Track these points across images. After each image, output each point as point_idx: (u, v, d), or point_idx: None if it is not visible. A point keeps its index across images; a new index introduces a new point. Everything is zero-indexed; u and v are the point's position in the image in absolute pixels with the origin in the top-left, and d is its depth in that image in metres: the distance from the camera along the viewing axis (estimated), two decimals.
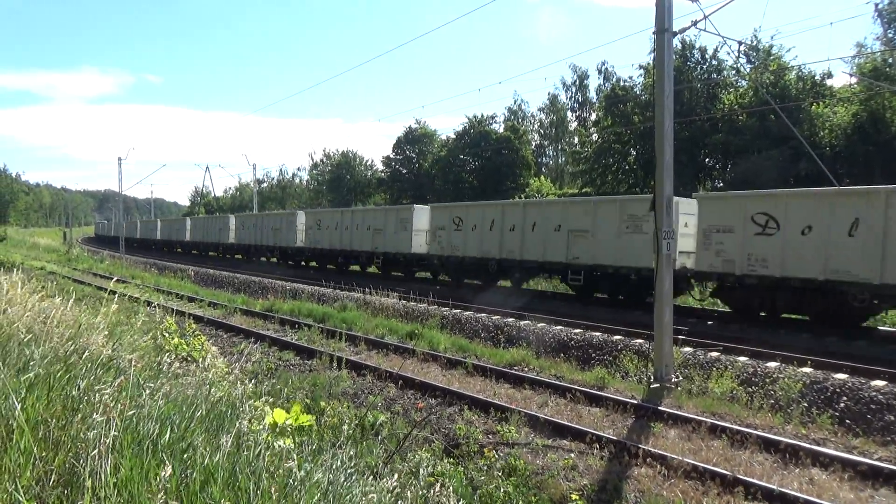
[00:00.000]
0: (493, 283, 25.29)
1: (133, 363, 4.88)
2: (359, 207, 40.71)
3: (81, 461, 2.80)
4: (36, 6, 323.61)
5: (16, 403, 3.17)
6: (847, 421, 9.45)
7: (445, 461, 7.35)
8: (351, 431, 7.64)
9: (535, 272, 24.05)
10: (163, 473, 2.69)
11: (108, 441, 2.81)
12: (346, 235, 33.41)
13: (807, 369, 11.28)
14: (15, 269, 8.83)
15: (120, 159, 48.92)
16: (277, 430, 3.67)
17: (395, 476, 4.47)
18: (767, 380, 10.96)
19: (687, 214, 18.30)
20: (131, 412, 3.32)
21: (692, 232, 18.33)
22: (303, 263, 38.57)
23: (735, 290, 17.29)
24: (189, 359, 8.22)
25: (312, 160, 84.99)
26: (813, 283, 15.51)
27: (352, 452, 4.65)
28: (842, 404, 9.97)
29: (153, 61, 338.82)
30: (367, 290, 21.65)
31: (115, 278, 11.91)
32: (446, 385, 10.93)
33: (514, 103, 70.03)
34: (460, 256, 25.78)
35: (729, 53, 37.70)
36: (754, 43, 34.36)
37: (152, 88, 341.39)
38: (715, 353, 12.46)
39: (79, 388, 3.56)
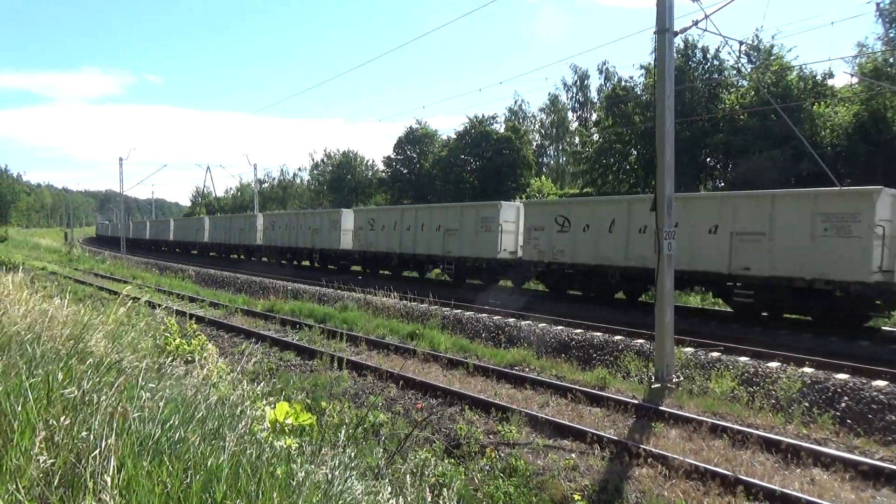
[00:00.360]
0: (611, 297, 21.43)
1: (134, 364, 4.89)
2: (426, 205, 36.26)
3: (83, 462, 2.81)
4: (37, 7, 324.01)
5: (17, 404, 3.18)
6: (848, 421, 9.45)
7: (446, 461, 7.35)
8: (352, 431, 7.65)
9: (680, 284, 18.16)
10: (164, 474, 2.70)
11: (109, 442, 2.82)
12: (407, 237, 29.16)
13: (808, 369, 11.28)
14: (17, 270, 8.85)
15: (121, 160, 49.07)
16: (278, 429, 3.68)
17: (396, 476, 4.48)
18: (768, 380, 10.96)
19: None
20: (134, 413, 3.32)
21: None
22: (352, 268, 34.93)
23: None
24: (190, 359, 8.22)
25: (313, 160, 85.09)
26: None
27: (353, 452, 4.65)
28: (843, 404, 9.97)
29: (154, 61, 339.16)
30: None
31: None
32: (447, 385, 10.93)
33: (515, 103, 70.16)
34: (567, 263, 21.65)
35: (730, 53, 37.68)
36: (755, 43, 34.36)
37: (153, 89, 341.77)
38: (716, 354, 12.46)
39: (80, 389, 3.57)
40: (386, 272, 31.74)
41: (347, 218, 34.22)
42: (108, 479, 2.65)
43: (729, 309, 18.75)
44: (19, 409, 3.13)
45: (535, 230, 22.88)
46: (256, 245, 43.66)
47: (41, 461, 2.81)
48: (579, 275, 21.54)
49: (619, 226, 19.97)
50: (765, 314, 17.20)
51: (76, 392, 3.51)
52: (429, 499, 4.19)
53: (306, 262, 38.50)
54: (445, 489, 5.82)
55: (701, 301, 21.45)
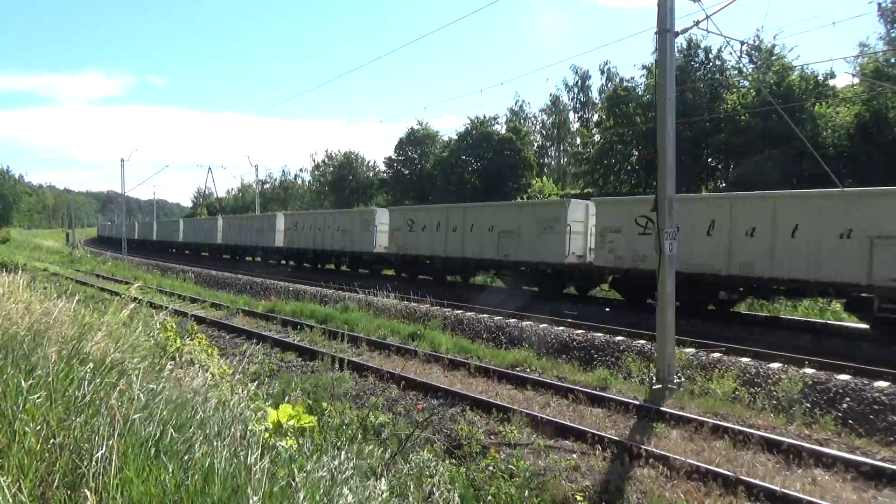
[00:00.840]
0: (706, 308, 18.23)
1: (135, 365, 4.90)
2: (476, 203, 31.72)
3: (85, 462, 2.81)
4: (40, 8, 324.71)
5: (19, 405, 3.19)
6: (850, 422, 9.44)
7: (448, 461, 7.35)
8: (353, 432, 7.66)
9: (795, 293, 16.62)
10: (164, 475, 2.71)
11: (110, 443, 2.83)
12: (454, 239, 26.07)
13: (809, 370, 11.27)
14: (19, 271, 8.87)
15: (123, 161, 48.94)
16: (280, 430, 3.69)
17: (398, 477, 4.49)
18: (770, 380, 10.96)
19: None
20: (134, 414, 3.33)
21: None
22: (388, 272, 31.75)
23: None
24: (191, 360, 8.23)
25: (314, 161, 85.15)
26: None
27: (353, 453, 4.66)
28: (844, 405, 9.96)
29: (156, 63, 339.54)
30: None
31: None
32: (448, 386, 10.94)
33: (516, 104, 70.20)
34: (648, 269, 16.95)
35: (731, 54, 37.67)
36: (757, 43, 34.36)
37: (155, 90, 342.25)
38: (717, 354, 12.46)
39: (81, 390, 3.58)
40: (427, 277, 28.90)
41: (383, 217, 31.23)
42: (109, 480, 2.66)
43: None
44: (21, 409, 3.14)
45: (611, 232, 19.95)
46: (276, 247, 40.20)
47: (43, 462, 2.83)
48: (684, 282, 16.13)
49: (721, 227, 16.87)
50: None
51: (78, 393, 3.52)
52: (430, 499, 4.20)
53: (331, 266, 35.66)
54: (447, 490, 5.83)
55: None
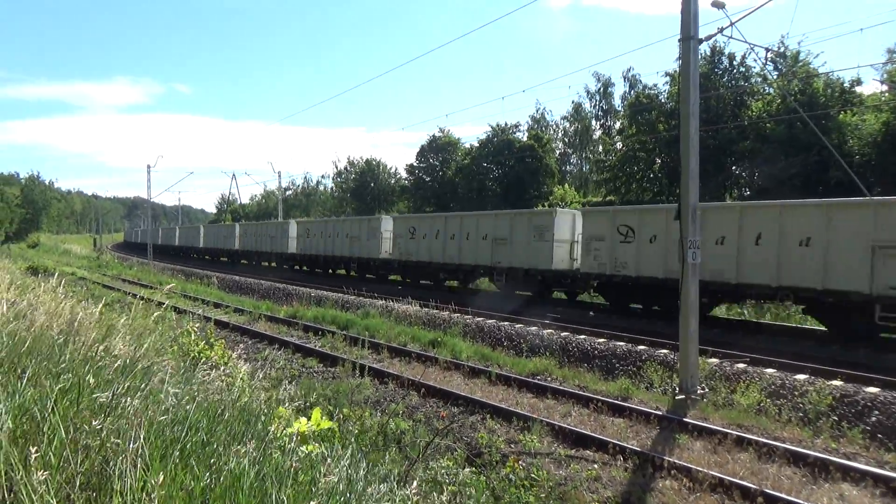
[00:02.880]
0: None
1: (160, 368, 4.96)
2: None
3: (111, 465, 2.85)
4: (70, 19, 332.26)
5: (47, 407, 3.25)
6: (879, 435, 9.23)
7: (467, 470, 7.32)
8: (373, 439, 7.67)
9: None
10: (188, 478, 2.74)
11: (136, 445, 2.86)
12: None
13: (836, 382, 11.06)
14: (49, 275, 9.04)
15: (149, 167, 49.60)
16: (300, 436, 3.71)
17: (419, 483, 4.48)
18: (796, 392, 10.76)
19: None
20: (160, 416, 3.37)
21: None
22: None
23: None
24: (215, 364, 8.32)
25: (336, 168, 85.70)
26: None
27: (374, 459, 4.67)
28: (873, 418, 9.75)
29: (182, 72, 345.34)
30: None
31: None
32: (469, 394, 10.92)
33: (537, 111, 70.03)
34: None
35: (755, 60, 37.15)
36: (782, 49, 33.91)
37: (181, 98, 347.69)
38: (742, 365, 12.27)
39: (108, 392, 3.63)
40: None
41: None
42: (134, 482, 2.70)
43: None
44: (49, 412, 3.20)
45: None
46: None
47: (69, 463, 2.87)
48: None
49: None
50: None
51: (104, 395, 3.57)
52: None
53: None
54: (467, 498, 5.81)
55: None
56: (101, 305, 7.06)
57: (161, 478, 2.69)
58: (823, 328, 16.87)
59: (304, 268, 40.89)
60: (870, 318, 14.55)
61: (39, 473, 2.62)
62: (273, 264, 44.99)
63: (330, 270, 38.23)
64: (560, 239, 22.90)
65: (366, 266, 34.16)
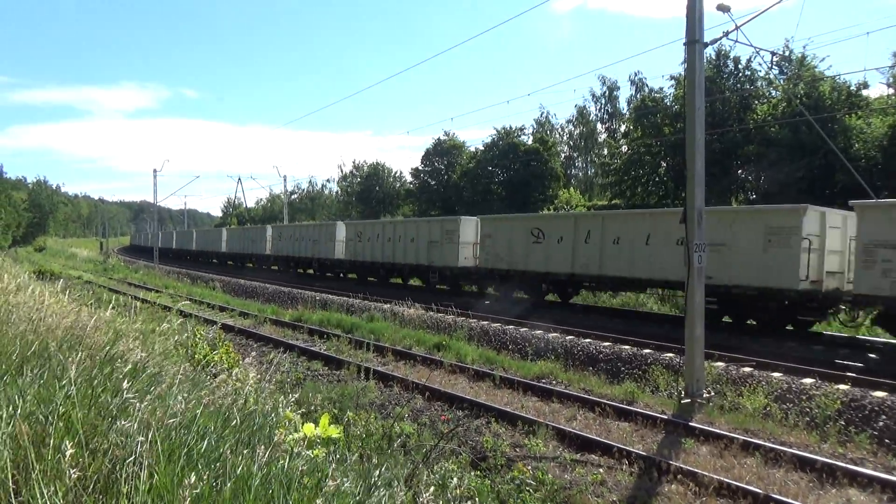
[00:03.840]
0: None
1: (167, 371, 4.98)
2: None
3: (118, 468, 2.87)
4: (78, 24, 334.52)
5: (55, 411, 3.27)
6: (886, 440, 9.18)
7: (472, 473, 7.32)
8: (378, 442, 7.67)
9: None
10: (195, 482, 2.74)
11: (144, 449, 2.88)
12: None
13: (843, 386, 11.00)
14: (56, 279, 9.09)
15: (155, 171, 49.99)
16: (307, 441, 3.72)
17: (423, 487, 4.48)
18: (803, 396, 10.72)
19: None
20: (168, 420, 3.39)
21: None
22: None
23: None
24: (221, 368, 8.34)
25: (342, 171, 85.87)
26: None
27: (379, 463, 4.66)
28: (881, 423, 9.70)
29: (189, 76, 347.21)
30: None
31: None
32: (473, 397, 10.91)
33: (542, 115, 70.03)
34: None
35: (761, 64, 37.05)
36: (787, 53, 33.83)
37: (188, 102, 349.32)
38: (748, 369, 12.23)
39: (115, 397, 3.65)
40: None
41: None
42: (142, 486, 2.71)
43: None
44: (57, 416, 3.21)
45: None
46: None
47: (77, 467, 2.88)
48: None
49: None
50: None
51: (111, 399, 3.59)
52: None
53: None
54: (471, 501, 5.80)
55: None
56: (109, 309, 7.09)
57: (168, 481, 2.70)
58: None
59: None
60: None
61: (47, 477, 2.64)
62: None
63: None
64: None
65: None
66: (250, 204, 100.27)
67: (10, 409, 3.17)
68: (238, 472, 3.01)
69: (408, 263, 30.89)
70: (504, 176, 55.59)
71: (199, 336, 9.48)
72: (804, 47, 33.75)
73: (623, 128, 56.24)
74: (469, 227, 27.72)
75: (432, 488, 5.18)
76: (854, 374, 11.76)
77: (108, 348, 5.11)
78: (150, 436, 3.00)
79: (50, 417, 3.21)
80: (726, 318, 17.99)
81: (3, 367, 3.84)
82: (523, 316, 18.88)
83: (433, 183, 63.40)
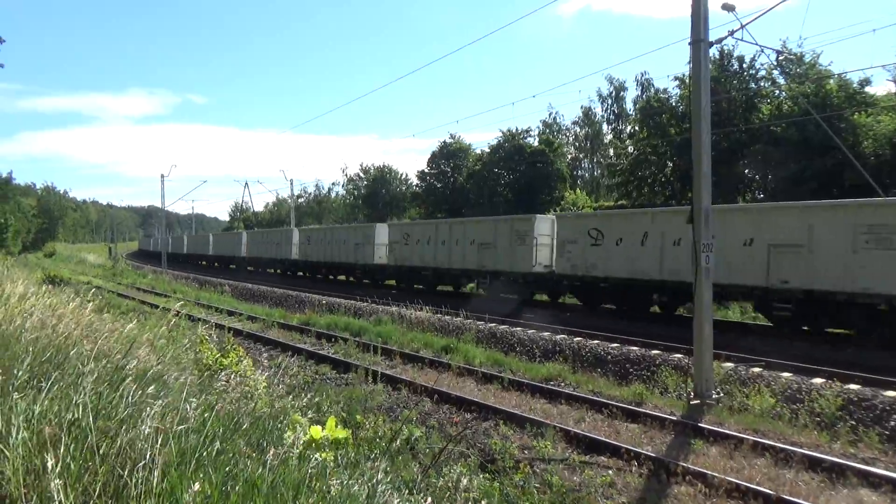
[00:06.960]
0: None
1: (177, 376, 5.01)
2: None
3: (128, 472, 2.89)
4: (86, 31, 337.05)
5: (66, 416, 3.30)
6: None
7: (481, 476, 7.32)
8: (386, 445, 7.68)
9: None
10: (205, 486, 2.77)
11: (154, 453, 2.90)
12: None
13: (853, 386, 10.93)
14: (65, 285, 9.15)
15: (163, 176, 50.22)
16: (315, 444, 3.73)
17: (432, 490, 4.49)
18: (812, 396, 10.66)
19: None
20: (178, 426, 3.41)
21: None
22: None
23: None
24: (230, 372, 8.37)
25: (347, 175, 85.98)
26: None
27: (387, 466, 4.68)
28: (892, 422, 9.63)
29: (197, 82, 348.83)
30: None
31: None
32: (482, 400, 10.91)
33: (549, 116, 69.95)
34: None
35: (763, 64, 36.89)
36: (792, 52, 33.66)
37: (196, 108, 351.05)
38: (757, 369, 12.17)
39: (125, 401, 3.68)
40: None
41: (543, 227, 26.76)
42: (152, 490, 2.73)
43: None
44: (69, 421, 3.24)
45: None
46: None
47: (87, 471, 2.91)
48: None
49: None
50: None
51: (122, 404, 3.62)
52: None
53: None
54: None
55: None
56: (117, 315, 7.13)
57: (178, 485, 2.72)
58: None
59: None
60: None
61: (59, 481, 2.67)
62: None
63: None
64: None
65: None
66: (258, 208, 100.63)
67: (25, 413, 3.20)
68: (247, 475, 3.03)
69: (466, 269, 27.55)
70: (510, 178, 55.55)
71: (208, 341, 9.52)
72: (802, 44, 33.56)
73: (629, 129, 56.16)
74: (544, 226, 24.40)
75: (442, 491, 5.19)
76: (861, 374, 11.66)
77: (118, 355, 5.15)
78: (159, 440, 3.02)
79: (63, 423, 3.25)
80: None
81: (18, 373, 3.87)
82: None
83: (439, 186, 63.40)
